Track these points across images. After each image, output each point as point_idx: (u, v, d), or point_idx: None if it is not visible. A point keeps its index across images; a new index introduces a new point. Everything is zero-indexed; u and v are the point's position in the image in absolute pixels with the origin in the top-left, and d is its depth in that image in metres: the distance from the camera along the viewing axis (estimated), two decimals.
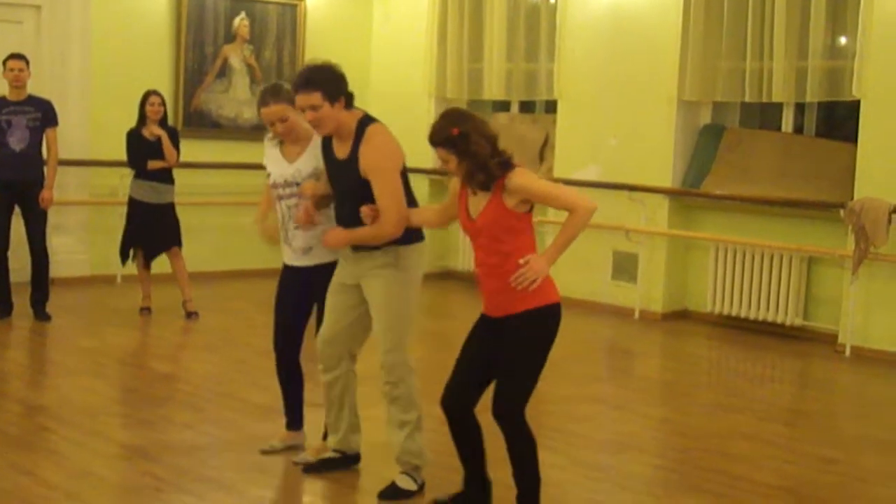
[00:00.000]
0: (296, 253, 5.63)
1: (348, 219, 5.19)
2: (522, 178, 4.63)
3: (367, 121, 5.17)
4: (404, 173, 5.19)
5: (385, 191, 5.06)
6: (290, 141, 5.58)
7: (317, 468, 5.55)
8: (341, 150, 5.19)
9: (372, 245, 5.13)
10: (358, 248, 5.19)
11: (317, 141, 5.47)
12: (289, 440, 5.89)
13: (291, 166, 5.57)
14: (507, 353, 4.67)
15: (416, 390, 5.24)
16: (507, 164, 4.64)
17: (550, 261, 4.60)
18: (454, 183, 4.93)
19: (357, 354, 5.44)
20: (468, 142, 4.59)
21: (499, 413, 4.66)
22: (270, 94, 5.51)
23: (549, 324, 4.70)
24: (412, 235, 5.19)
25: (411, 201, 5.21)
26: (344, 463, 5.56)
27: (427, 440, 5.35)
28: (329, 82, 5.07)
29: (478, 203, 4.71)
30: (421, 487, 5.26)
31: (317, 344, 5.41)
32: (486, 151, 4.60)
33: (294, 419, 5.91)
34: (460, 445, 4.93)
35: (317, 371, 5.56)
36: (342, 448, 5.56)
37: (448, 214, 5.05)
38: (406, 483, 5.24)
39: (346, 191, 5.24)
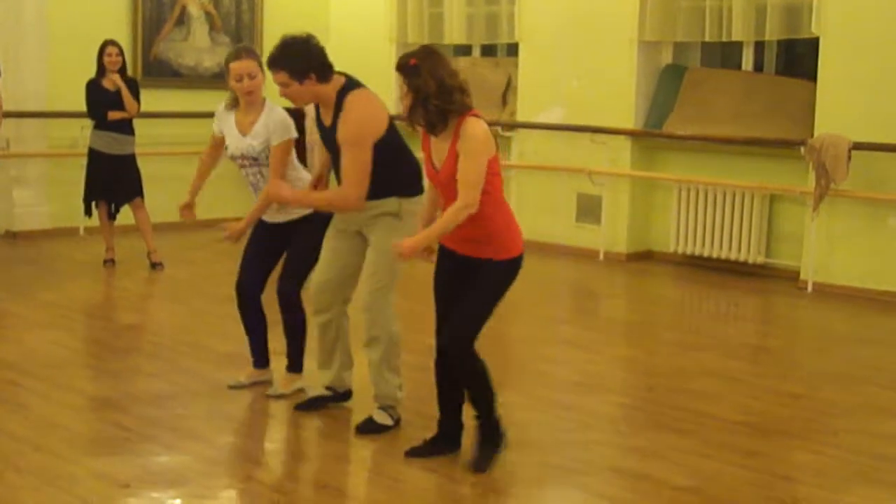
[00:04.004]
0: (270, 212, 5.78)
1: None
2: (469, 129, 4.62)
3: (346, 90, 5.16)
4: (392, 133, 5.22)
5: (349, 165, 5.10)
6: (248, 101, 5.68)
7: (308, 406, 5.63)
8: (327, 118, 5.25)
9: (373, 195, 5.14)
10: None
11: (268, 114, 5.64)
12: (255, 377, 6.05)
13: (245, 140, 5.70)
14: (468, 291, 4.74)
15: (396, 334, 5.32)
16: (458, 111, 4.64)
17: (417, 246, 4.66)
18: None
19: (350, 299, 5.52)
20: (417, 75, 4.63)
21: (449, 344, 4.75)
22: (244, 51, 5.73)
23: (511, 274, 4.80)
24: (415, 188, 5.27)
25: (407, 158, 5.26)
26: (335, 399, 5.63)
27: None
28: (294, 61, 5.08)
29: (440, 152, 4.72)
30: (397, 423, 5.37)
31: (311, 287, 5.50)
32: (429, 90, 4.60)
33: (260, 358, 6.07)
34: (445, 387, 4.98)
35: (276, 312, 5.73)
36: (334, 385, 5.63)
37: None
38: (382, 418, 5.34)
39: (338, 153, 5.28)
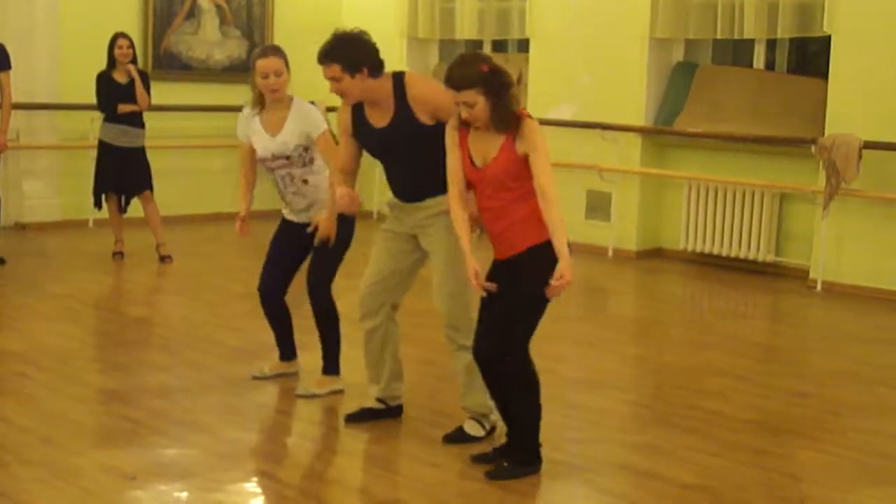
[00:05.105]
0: (296, 213, 5.83)
1: (405, 185, 5.13)
2: (532, 126, 4.54)
3: (399, 75, 5.07)
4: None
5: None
6: (274, 99, 5.66)
7: (358, 417, 5.41)
8: (381, 118, 5.07)
9: (433, 192, 4.98)
10: (411, 199, 5.10)
11: (297, 109, 5.63)
12: (280, 368, 6.10)
13: (276, 139, 5.67)
14: (508, 291, 4.63)
15: None
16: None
17: (569, 262, 4.56)
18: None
19: (399, 305, 5.30)
20: (497, 77, 4.50)
21: (498, 351, 4.67)
22: (271, 49, 5.72)
23: (552, 256, 4.59)
24: None
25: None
26: (387, 414, 5.41)
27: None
28: (348, 54, 4.97)
29: (484, 151, 4.60)
30: (490, 432, 5.17)
31: (360, 289, 5.28)
32: (510, 84, 4.53)
33: (285, 351, 6.11)
34: (497, 393, 4.84)
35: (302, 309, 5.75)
36: (384, 397, 5.40)
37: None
38: (474, 429, 5.16)
39: (399, 156, 5.10)
